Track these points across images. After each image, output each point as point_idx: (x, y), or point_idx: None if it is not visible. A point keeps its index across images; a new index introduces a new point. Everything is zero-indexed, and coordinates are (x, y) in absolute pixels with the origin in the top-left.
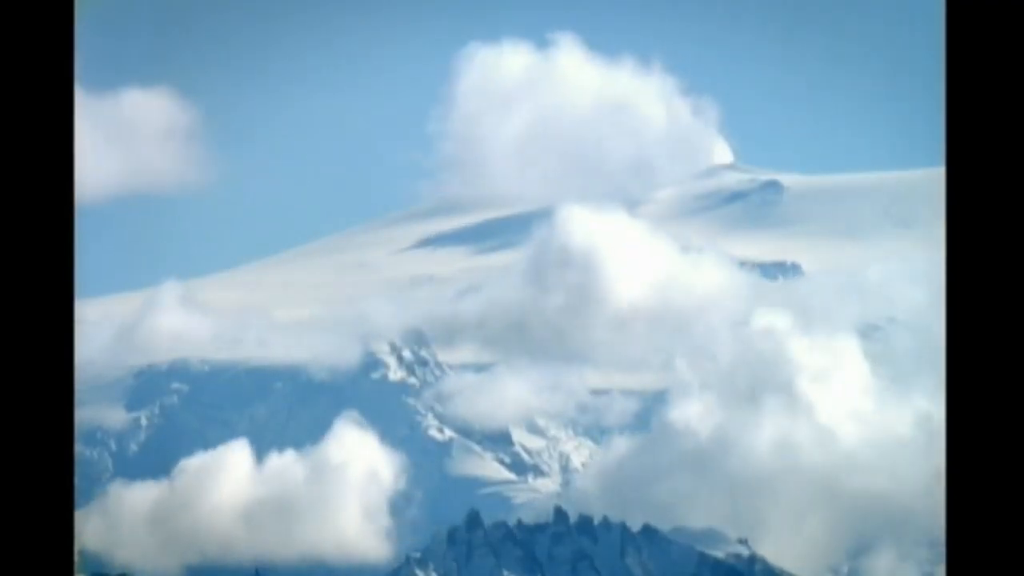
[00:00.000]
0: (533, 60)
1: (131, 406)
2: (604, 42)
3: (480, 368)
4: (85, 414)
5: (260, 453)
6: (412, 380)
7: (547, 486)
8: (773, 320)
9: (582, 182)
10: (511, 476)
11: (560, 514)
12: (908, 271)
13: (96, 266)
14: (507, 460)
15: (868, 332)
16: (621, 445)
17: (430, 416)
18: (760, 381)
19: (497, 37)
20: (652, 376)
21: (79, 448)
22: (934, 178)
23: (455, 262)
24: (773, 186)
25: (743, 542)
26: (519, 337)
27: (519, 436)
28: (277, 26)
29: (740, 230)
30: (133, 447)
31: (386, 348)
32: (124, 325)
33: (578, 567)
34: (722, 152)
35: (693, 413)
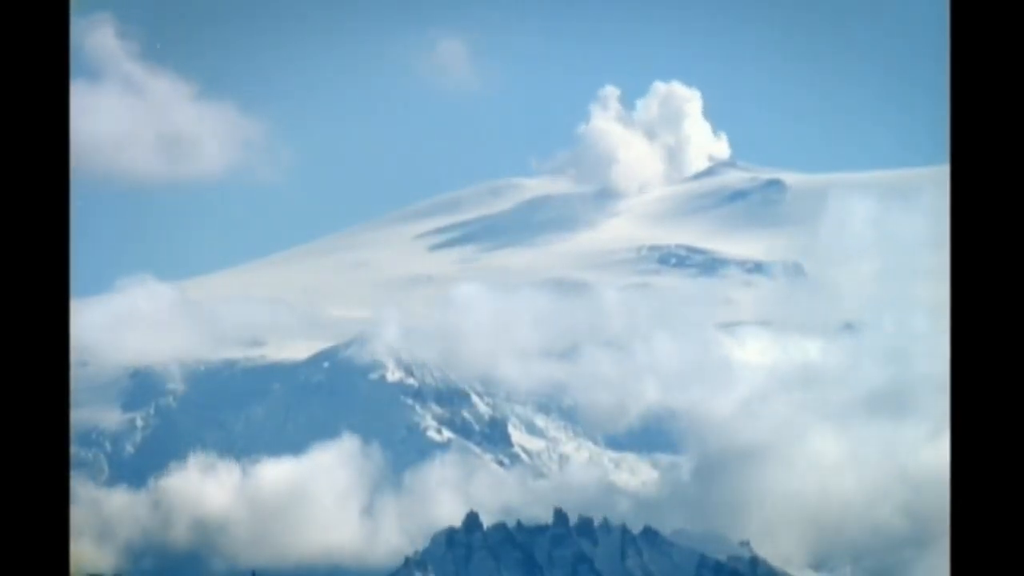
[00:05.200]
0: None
1: (127, 407)
2: (606, 40)
3: (480, 369)
4: (80, 415)
5: (257, 454)
6: (411, 380)
7: (547, 487)
8: (774, 322)
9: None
10: (510, 477)
11: (560, 516)
12: (912, 271)
13: (92, 265)
14: (506, 461)
15: (871, 332)
16: (623, 447)
17: (428, 417)
18: (762, 381)
19: (507, 34)
20: (652, 377)
21: (74, 449)
22: (938, 176)
23: (454, 262)
24: (775, 185)
25: (744, 544)
26: (519, 337)
27: (518, 437)
28: (278, 26)
29: (741, 229)
30: (129, 448)
31: (384, 348)
32: (120, 325)
33: (578, 569)
34: (724, 150)
35: (693, 414)
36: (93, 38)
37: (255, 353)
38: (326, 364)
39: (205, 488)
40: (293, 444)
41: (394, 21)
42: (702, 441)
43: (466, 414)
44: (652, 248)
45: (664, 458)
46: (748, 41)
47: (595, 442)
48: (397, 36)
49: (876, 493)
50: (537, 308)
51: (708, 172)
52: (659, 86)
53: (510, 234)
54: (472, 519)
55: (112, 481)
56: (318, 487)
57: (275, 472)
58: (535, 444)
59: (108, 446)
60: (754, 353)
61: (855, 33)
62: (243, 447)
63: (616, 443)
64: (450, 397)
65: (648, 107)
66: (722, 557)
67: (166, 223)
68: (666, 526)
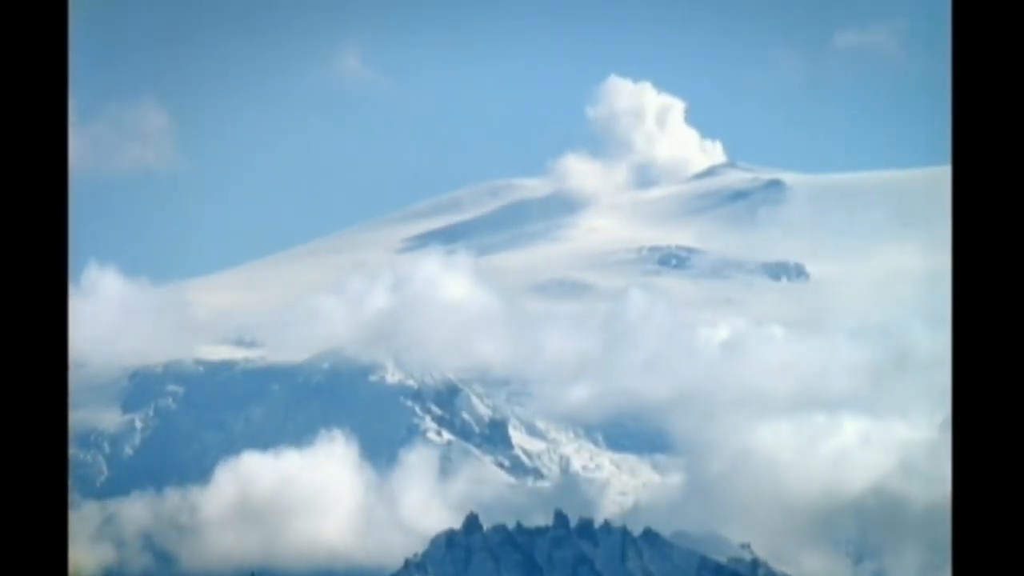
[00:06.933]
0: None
1: (125, 408)
2: (609, 39)
3: (479, 370)
4: (79, 416)
5: (256, 455)
6: (410, 382)
7: (547, 489)
8: (775, 322)
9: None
10: (510, 479)
11: (560, 517)
12: (913, 271)
13: (90, 267)
14: (506, 463)
15: (872, 333)
16: (623, 448)
17: (428, 419)
18: (763, 382)
19: (495, 40)
20: (652, 378)
21: (73, 451)
22: (940, 176)
23: (454, 263)
24: (776, 185)
25: (745, 546)
26: (519, 338)
27: (518, 439)
28: (275, 28)
29: (742, 229)
30: (128, 450)
31: (384, 349)
32: (119, 326)
33: (578, 571)
34: (723, 149)
35: (693, 415)
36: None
37: (254, 354)
38: (325, 365)
39: (205, 489)
40: (292, 445)
41: (390, 22)
42: (703, 442)
43: (466, 416)
44: (652, 248)
45: (664, 459)
46: (750, 41)
47: (595, 443)
48: (390, 36)
49: (879, 493)
50: (537, 309)
51: (708, 172)
52: (657, 84)
53: (510, 235)
54: (472, 521)
55: (111, 483)
56: (317, 488)
57: (274, 473)
58: (535, 446)
59: (107, 448)
60: (755, 354)
61: (858, 31)
62: (242, 448)
63: (617, 444)
64: (450, 398)
65: (647, 105)
66: (723, 559)
67: (166, 224)
68: (666, 528)
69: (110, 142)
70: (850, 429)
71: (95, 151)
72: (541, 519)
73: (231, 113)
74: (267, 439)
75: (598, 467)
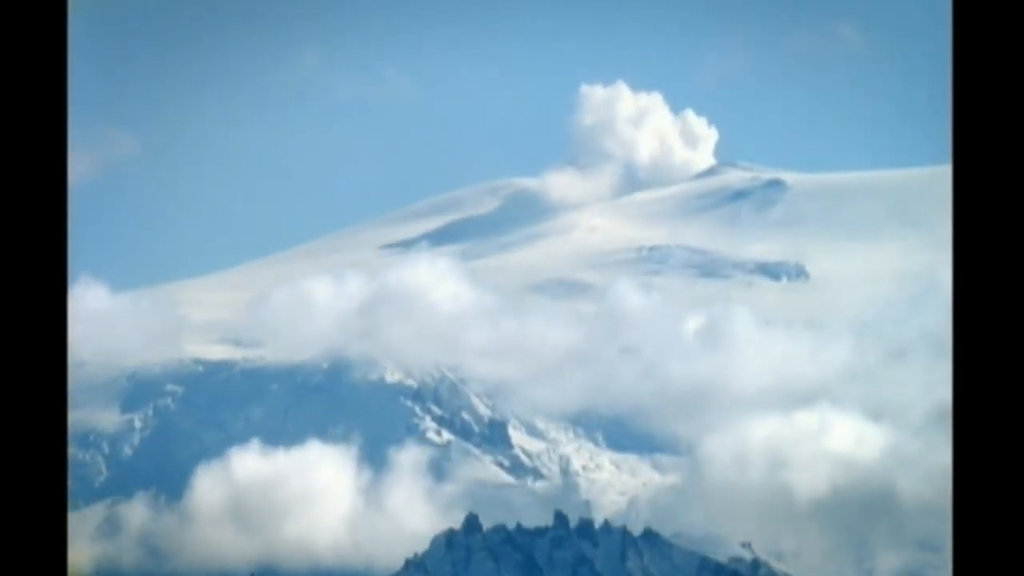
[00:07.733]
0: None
1: (125, 408)
2: (609, 38)
3: (479, 370)
4: (78, 416)
5: (255, 455)
6: (410, 382)
7: (547, 489)
8: (776, 322)
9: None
10: (510, 479)
11: (560, 517)
12: (913, 270)
13: (89, 268)
14: (506, 463)
15: (872, 332)
16: (623, 448)
17: (428, 419)
18: (764, 382)
19: (490, 39)
20: (652, 378)
21: (72, 451)
22: (941, 176)
23: (453, 263)
24: (776, 184)
25: (746, 546)
26: (518, 338)
27: (518, 439)
28: (270, 28)
29: (742, 229)
30: (127, 450)
31: (383, 349)
32: (118, 326)
33: (578, 572)
34: (722, 148)
35: (694, 415)
36: None
37: (254, 354)
38: (325, 365)
39: (204, 489)
40: (292, 445)
41: (391, 23)
42: (703, 442)
43: (466, 415)
44: (652, 248)
45: (664, 459)
46: (750, 38)
47: (595, 443)
48: (389, 37)
49: (881, 491)
50: (537, 309)
51: (708, 172)
52: (657, 84)
53: (509, 234)
54: (472, 521)
55: (110, 483)
56: (316, 488)
57: (274, 473)
58: (535, 445)
59: (106, 448)
60: (756, 353)
61: (859, 30)
62: (242, 448)
63: (617, 444)
64: (449, 398)
65: (647, 105)
66: (723, 559)
67: (164, 223)
68: (667, 528)
69: (100, 145)
70: (850, 427)
71: (86, 155)
72: (541, 519)
73: (228, 114)
74: (266, 439)
75: (598, 467)
